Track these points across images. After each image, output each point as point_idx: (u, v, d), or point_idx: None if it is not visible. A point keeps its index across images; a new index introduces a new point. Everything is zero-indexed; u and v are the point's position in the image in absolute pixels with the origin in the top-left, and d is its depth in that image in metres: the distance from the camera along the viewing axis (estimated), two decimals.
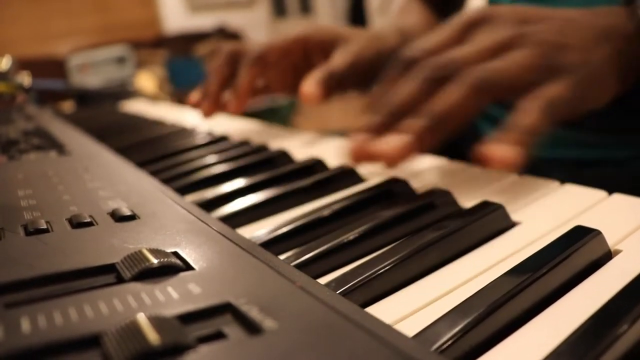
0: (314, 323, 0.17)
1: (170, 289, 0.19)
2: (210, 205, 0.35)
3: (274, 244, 0.29)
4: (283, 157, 0.46)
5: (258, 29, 4.11)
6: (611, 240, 0.25)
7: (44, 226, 0.25)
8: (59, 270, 0.20)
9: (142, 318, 0.16)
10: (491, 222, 0.28)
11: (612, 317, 0.19)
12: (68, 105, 1.11)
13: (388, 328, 0.17)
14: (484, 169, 0.38)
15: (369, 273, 0.24)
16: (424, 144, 0.34)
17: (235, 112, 0.58)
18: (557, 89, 0.34)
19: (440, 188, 0.33)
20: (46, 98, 1.06)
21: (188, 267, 0.21)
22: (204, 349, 0.15)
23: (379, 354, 0.15)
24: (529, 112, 0.33)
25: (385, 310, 0.22)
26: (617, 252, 0.25)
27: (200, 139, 0.55)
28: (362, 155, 0.35)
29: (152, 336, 0.15)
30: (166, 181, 0.40)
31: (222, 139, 0.55)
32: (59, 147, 0.47)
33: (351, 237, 0.28)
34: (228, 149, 0.50)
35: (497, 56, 0.35)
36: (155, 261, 0.20)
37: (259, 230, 0.31)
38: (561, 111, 0.34)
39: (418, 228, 0.30)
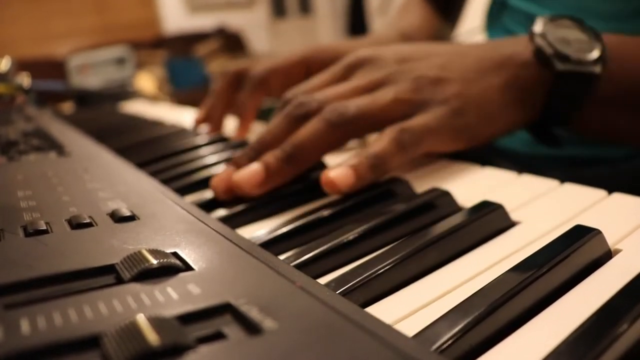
0: (314, 323, 0.17)
1: (169, 290, 0.19)
2: (210, 205, 0.35)
3: (274, 244, 0.29)
4: None
5: (258, 29, 4.11)
6: (611, 239, 0.25)
7: (44, 227, 0.25)
8: (58, 271, 0.20)
9: (141, 319, 0.16)
10: (491, 221, 0.28)
11: (612, 316, 0.19)
12: (68, 106, 1.11)
13: (388, 328, 0.17)
14: (483, 168, 0.38)
15: (369, 273, 0.24)
16: (279, 175, 0.36)
17: (239, 136, 0.58)
18: (418, 120, 0.35)
19: (440, 188, 0.33)
20: (46, 99, 1.06)
21: (188, 267, 0.21)
22: (204, 350, 0.15)
23: (379, 354, 0.15)
24: (380, 139, 0.35)
25: (385, 310, 0.22)
26: (617, 251, 0.25)
27: (200, 139, 0.55)
28: (222, 187, 0.36)
29: (152, 337, 0.15)
30: (166, 181, 0.40)
31: (222, 139, 0.55)
32: (58, 148, 0.47)
33: (351, 237, 0.28)
34: (228, 149, 0.50)
35: (366, 94, 0.37)
36: (154, 262, 0.20)
37: (259, 231, 0.31)
38: (423, 138, 0.35)
39: (418, 228, 0.30)
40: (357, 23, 3.42)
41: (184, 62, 3.70)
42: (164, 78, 3.49)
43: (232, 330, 0.17)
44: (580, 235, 0.24)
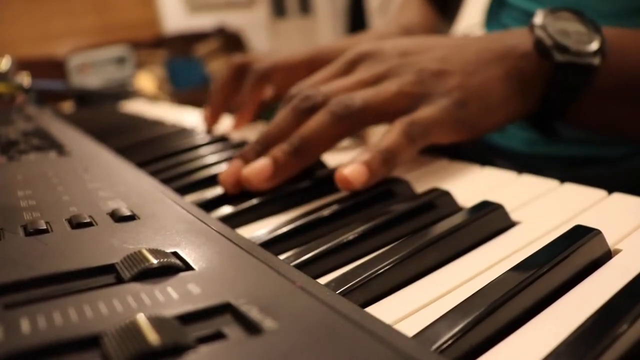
0: (314, 323, 0.17)
1: (169, 289, 0.19)
2: (210, 205, 0.35)
3: (274, 244, 0.29)
4: None
5: (258, 29, 4.11)
6: (611, 239, 0.25)
7: (44, 227, 0.25)
8: (58, 270, 0.20)
9: (141, 318, 0.16)
10: (491, 222, 0.28)
11: (612, 316, 0.19)
12: (68, 106, 1.11)
13: (388, 328, 0.17)
14: (483, 168, 0.38)
15: (369, 273, 0.24)
16: (287, 168, 0.36)
17: (239, 128, 0.58)
18: (424, 112, 0.36)
19: (440, 188, 0.33)
20: (46, 98, 1.06)
21: (188, 267, 0.21)
22: (204, 349, 0.15)
23: (379, 354, 0.15)
24: (390, 131, 0.35)
25: (385, 310, 0.22)
26: (617, 251, 0.25)
27: (200, 139, 0.55)
28: (230, 181, 0.37)
29: (152, 336, 0.15)
30: (166, 181, 0.40)
31: (222, 139, 0.55)
32: (58, 148, 0.47)
33: (351, 237, 0.28)
34: (228, 149, 0.50)
35: (370, 87, 0.38)
36: (154, 261, 0.20)
37: (259, 230, 0.31)
38: (431, 130, 0.36)
39: (418, 228, 0.30)
40: (357, 23, 3.42)
41: (184, 62, 3.70)
42: (164, 78, 3.49)
43: (232, 330, 0.17)
44: (580, 235, 0.24)
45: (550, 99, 0.38)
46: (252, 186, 0.36)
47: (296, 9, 3.93)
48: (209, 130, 0.61)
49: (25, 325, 0.16)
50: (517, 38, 0.38)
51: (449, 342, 0.18)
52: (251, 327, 0.16)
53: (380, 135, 0.36)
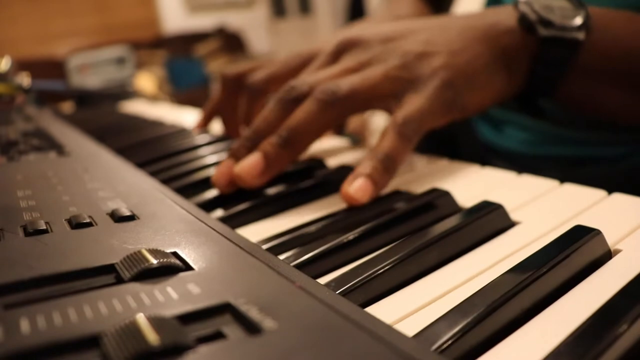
0: (313, 323, 0.17)
1: (169, 289, 0.19)
2: (210, 205, 0.35)
3: (274, 244, 0.29)
4: None
5: (257, 29, 4.11)
6: (611, 239, 0.25)
7: (44, 227, 0.25)
8: (58, 270, 0.20)
9: (141, 318, 0.16)
10: (491, 222, 0.28)
11: (612, 316, 0.19)
12: (67, 106, 1.11)
13: (388, 328, 0.17)
14: (483, 168, 0.38)
15: (369, 273, 0.24)
16: (278, 161, 0.36)
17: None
18: (413, 104, 0.35)
19: (440, 188, 0.33)
20: (46, 99, 1.06)
21: (187, 267, 0.21)
22: (204, 349, 0.15)
23: (379, 354, 0.15)
24: (386, 136, 0.35)
25: (385, 310, 0.22)
26: (617, 251, 0.25)
27: (200, 139, 0.55)
28: (223, 180, 0.36)
29: (152, 336, 0.15)
30: (166, 181, 0.40)
31: (222, 139, 0.55)
32: (58, 148, 0.47)
33: (351, 237, 0.28)
34: (228, 149, 0.50)
35: (355, 73, 0.37)
36: (154, 261, 0.20)
37: (259, 231, 0.31)
38: (424, 122, 0.35)
39: (418, 228, 0.30)
40: None
41: (184, 62, 3.70)
42: (164, 78, 3.49)
43: (232, 330, 0.17)
44: (580, 235, 0.24)
45: (535, 75, 0.38)
46: (246, 183, 0.36)
47: (296, 9, 3.93)
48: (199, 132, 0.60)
49: (25, 325, 0.16)
50: (501, 14, 0.38)
51: (449, 342, 0.18)
52: (251, 327, 0.16)
53: (379, 139, 0.36)
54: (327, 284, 0.23)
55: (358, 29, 0.42)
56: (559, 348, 0.18)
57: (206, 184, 0.41)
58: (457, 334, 0.19)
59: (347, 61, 0.39)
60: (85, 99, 1.12)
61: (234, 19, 4.14)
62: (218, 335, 0.16)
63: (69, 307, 0.17)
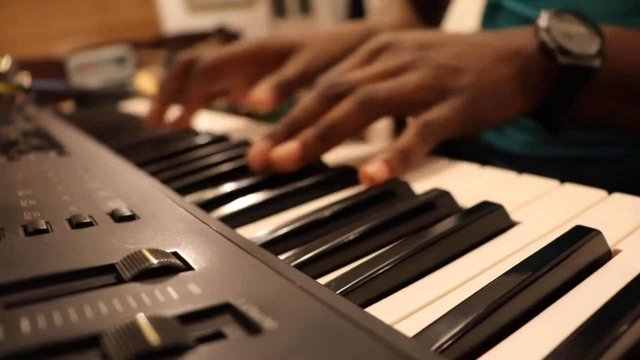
0: (313, 323, 0.17)
1: (170, 289, 0.19)
2: (210, 205, 0.35)
3: (274, 244, 0.29)
4: None
5: (258, 29, 4.11)
6: (611, 240, 0.25)
7: (44, 226, 0.25)
8: (58, 270, 0.20)
9: (141, 318, 0.16)
10: (491, 222, 0.28)
11: (612, 316, 0.19)
12: (68, 106, 1.11)
13: (388, 328, 0.17)
14: (483, 168, 0.38)
15: (369, 273, 0.24)
16: (314, 151, 0.39)
17: (183, 125, 0.58)
18: (439, 112, 0.39)
19: (440, 188, 0.33)
20: (46, 98, 1.06)
21: (188, 267, 0.21)
22: (204, 349, 0.15)
23: (379, 354, 0.15)
24: (406, 132, 0.39)
25: (385, 310, 0.22)
26: (617, 251, 0.25)
27: (200, 139, 0.55)
28: (258, 161, 0.39)
29: (152, 336, 0.15)
30: (166, 181, 0.40)
31: (222, 139, 0.55)
32: (58, 148, 0.47)
33: (351, 237, 0.28)
34: (228, 149, 0.50)
35: (392, 78, 0.40)
36: (155, 261, 0.20)
37: (259, 231, 0.31)
38: (443, 130, 0.39)
39: (418, 228, 0.30)
40: None
41: None
42: None
43: (232, 330, 0.17)
44: (580, 235, 0.24)
45: (552, 97, 0.41)
46: (281, 168, 0.38)
47: (296, 9, 3.93)
48: (153, 127, 0.59)
49: (25, 325, 0.16)
50: (525, 38, 0.41)
51: (449, 342, 0.18)
52: (251, 327, 0.16)
53: (400, 135, 0.39)
54: (327, 284, 0.23)
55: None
56: (559, 348, 0.18)
57: (206, 184, 0.41)
58: (457, 334, 0.19)
59: (384, 63, 0.41)
60: (85, 98, 1.12)
61: (234, 19, 4.14)
62: (218, 335, 0.16)
63: (69, 306, 0.17)
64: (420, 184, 0.35)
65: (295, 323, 0.16)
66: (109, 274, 0.21)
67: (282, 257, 0.27)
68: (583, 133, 0.56)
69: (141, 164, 0.45)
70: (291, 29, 3.98)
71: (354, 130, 0.40)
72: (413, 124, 0.39)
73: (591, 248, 0.24)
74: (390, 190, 0.34)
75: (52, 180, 0.35)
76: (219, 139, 0.55)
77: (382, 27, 0.66)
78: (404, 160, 0.37)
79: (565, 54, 0.39)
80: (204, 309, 0.17)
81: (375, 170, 0.36)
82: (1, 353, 0.15)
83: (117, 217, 0.27)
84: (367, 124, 0.40)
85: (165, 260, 0.20)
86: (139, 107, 0.96)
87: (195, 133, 0.60)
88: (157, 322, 0.15)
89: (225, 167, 0.43)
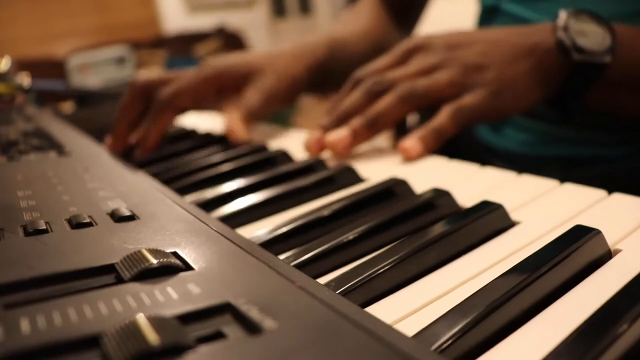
0: (313, 323, 0.17)
1: (169, 289, 0.19)
2: (210, 205, 0.35)
3: (274, 244, 0.29)
4: (283, 157, 0.46)
5: (258, 29, 4.11)
6: (611, 239, 0.25)
7: (44, 227, 0.25)
8: (58, 270, 0.20)
9: (141, 318, 0.16)
10: (491, 222, 0.28)
11: (612, 316, 0.19)
12: (68, 106, 1.11)
13: (388, 328, 0.17)
14: (483, 168, 0.38)
15: (369, 273, 0.24)
16: (362, 137, 0.45)
17: (143, 157, 0.55)
18: (469, 99, 0.44)
19: (440, 188, 0.33)
20: (46, 99, 1.06)
21: (187, 267, 0.21)
22: (204, 349, 0.15)
23: (379, 354, 0.15)
24: (440, 115, 0.44)
25: (385, 310, 0.22)
26: (617, 251, 0.25)
27: (200, 140, 0.55)
28: (315, 146, 0.46)
29: (152, 336, 0.15)
30: (166, 182, 0.40)
31: (222, 139, 0.55)
32: (58, 148, 0.47)
33: (351, 237, 0.28)
34: (228, 149, 0.50)
35: (426, 75, 0.46)
36: (154, 261, 0.20)
37: (259, 230, 0.31)
38: (472, 115, 0.44)
39: (418, 228, 0.30)
40: None
41: (184, 62, 3.69)
42: None
43: (232, 330, 0.17)
44: (580, 235, 0.24)
45: (566, 88, 0.45)
46: (336, 150, 0.44)
47: (296, 9, 3.93)
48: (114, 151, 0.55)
49: (25, 325, 0.16)
50: (542, 34, 0.45)
51: (449, 342, 0.18)
52: (251, 327, 0.16)
53: (435, 116, 0.44)
54: (327, 284, 0.23)
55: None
56: (559, 348, 0.18)
57: (206, 184, 0.41)
58: (457, 334, 0.19)
59: (419, 62, 0.47)
60: (85, 98, 1.12)
61: (234, 19, 4.14)
62: (218, 335, 0.16)
63: (69, 307, 0.17)
64: (420, 184, 0.35)
65: (295, 323, 0.16)
66: (108, 274, 0.21)
67: (281, 256, 0.27)
68: (583, 133, 0.56)
69: (141, 164, 0.45)
70: (291, 29, 3.98)
71: (395, 120, 0.46)
72: (446, 108, 0.44)
73: (591, 248, 0.24)
74: (390, 189, 0.34)
75: (52, 180, 0.35)
76: (218, 139, 0.55)
77: (349, 37, 0.67)
78: (438, 139, 0.43)
79: (580, 52, 0.43)
80: (204, 309, 0.17)
81: (412, 145, 0.42)
82: (1, 353, 0.15)
83: (117, 217, 0.27)
84: (406, 115, 0.46)
85: (165, 260, 0.20)
86: None
87: (195, 133, 0.60)
88: (157, 322, 0.15)
89: (225, 167, 0.43)
